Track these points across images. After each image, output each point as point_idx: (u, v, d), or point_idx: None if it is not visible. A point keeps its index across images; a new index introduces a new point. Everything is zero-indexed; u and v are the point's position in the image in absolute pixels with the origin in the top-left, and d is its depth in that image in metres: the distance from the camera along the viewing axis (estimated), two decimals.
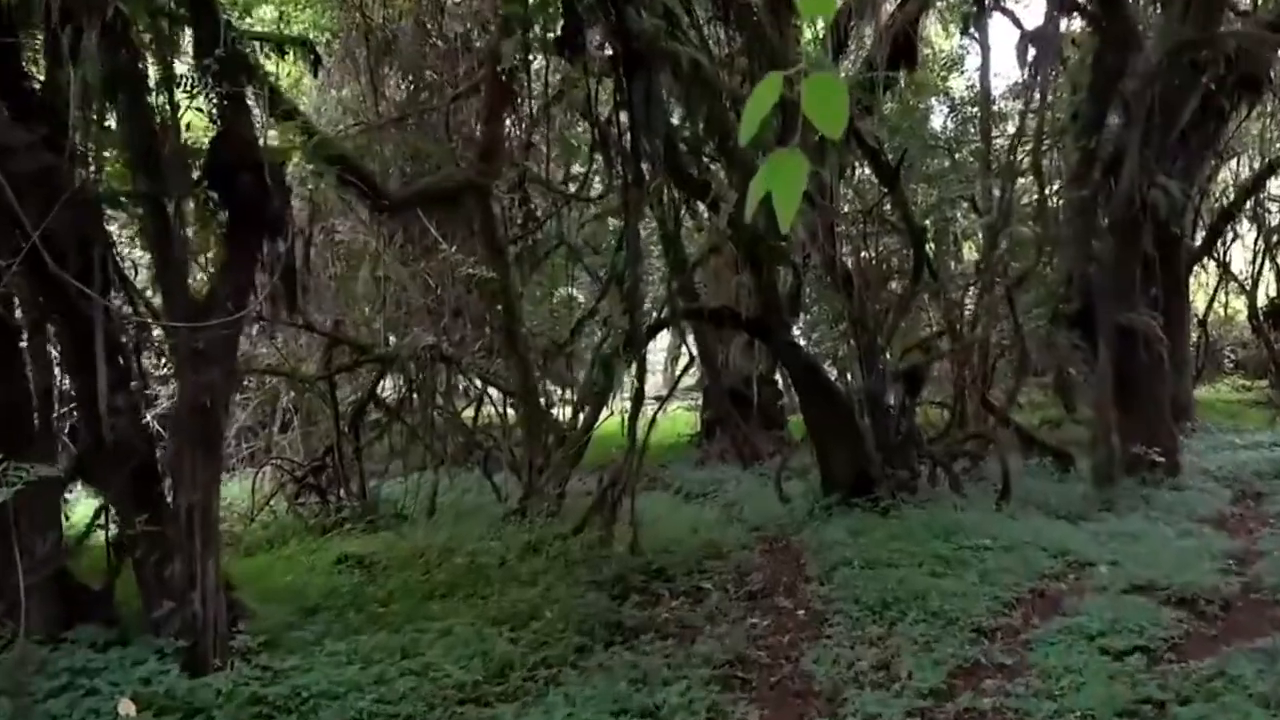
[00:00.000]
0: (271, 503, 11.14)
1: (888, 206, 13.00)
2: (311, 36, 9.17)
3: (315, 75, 9.73)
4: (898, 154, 10.28)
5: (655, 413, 9.42)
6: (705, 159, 10.07)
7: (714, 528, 10.14)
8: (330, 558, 9.18)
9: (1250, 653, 5.85)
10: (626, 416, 8.85)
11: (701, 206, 9.82)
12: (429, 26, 11.33)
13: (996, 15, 17.20)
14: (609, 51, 8.50)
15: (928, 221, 18.99)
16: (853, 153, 9.76)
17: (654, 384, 35.33)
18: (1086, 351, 12.30)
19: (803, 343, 12.45)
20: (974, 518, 9.50)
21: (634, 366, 8.57)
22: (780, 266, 9.99)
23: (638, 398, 8.49)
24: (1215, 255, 22.28)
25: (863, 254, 11.21)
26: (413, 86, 11.41)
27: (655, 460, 17.47)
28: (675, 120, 9.78)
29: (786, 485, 11.66)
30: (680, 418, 21.00)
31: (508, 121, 10.79)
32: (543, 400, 11.37)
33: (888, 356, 11.22)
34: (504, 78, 8.31)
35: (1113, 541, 9.13)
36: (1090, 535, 9.40)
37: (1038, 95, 13.08)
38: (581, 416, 9.35)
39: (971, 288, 16.99)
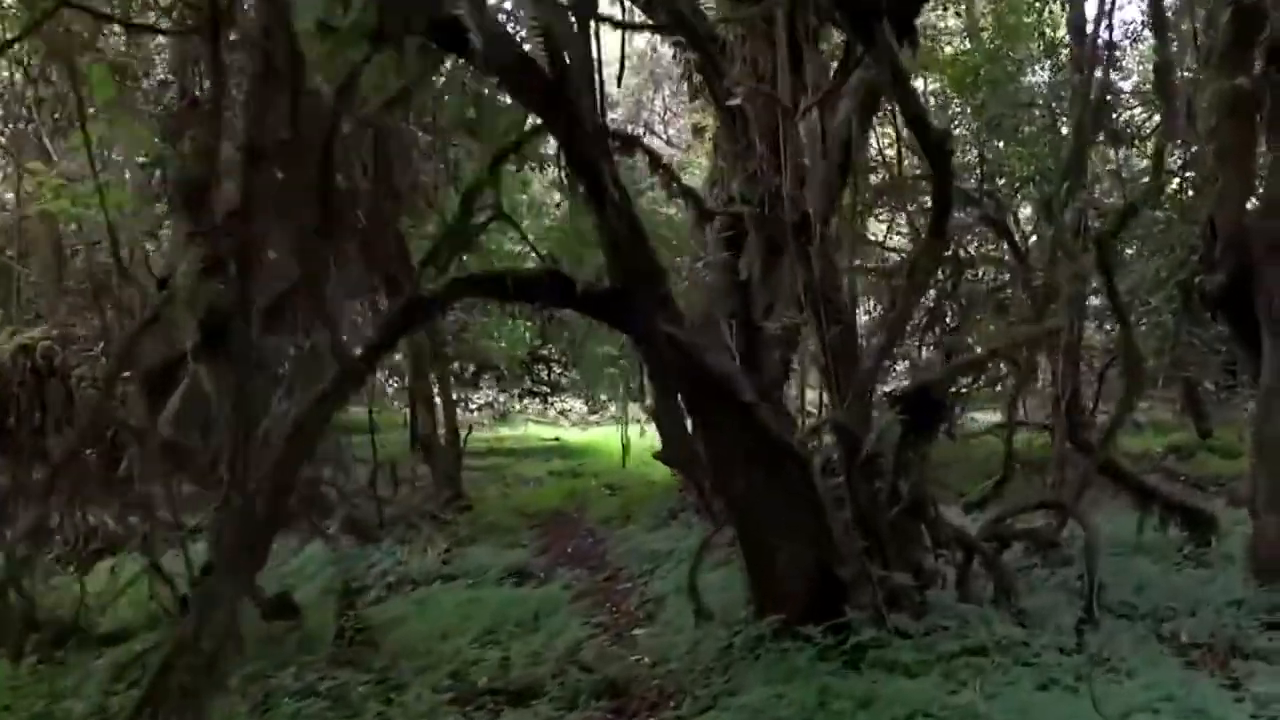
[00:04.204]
0: None
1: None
2: None
3: None
4: None
5: None
6: None
7: (528, 680, 5.49)
8: None
9: None
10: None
11: None
12: None
13: None
14: None
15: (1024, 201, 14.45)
16: None
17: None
18: (1241, 350, 7.34)
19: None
20: (1016, 698, 4.65)
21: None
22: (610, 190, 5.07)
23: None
24: None
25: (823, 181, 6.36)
26: None
27: (628, 508, 12.94)
28: None
29: (715, 578, 7.09)
30: None
31: None
32: None
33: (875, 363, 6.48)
34: None
35: None
36: None
37: None
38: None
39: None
